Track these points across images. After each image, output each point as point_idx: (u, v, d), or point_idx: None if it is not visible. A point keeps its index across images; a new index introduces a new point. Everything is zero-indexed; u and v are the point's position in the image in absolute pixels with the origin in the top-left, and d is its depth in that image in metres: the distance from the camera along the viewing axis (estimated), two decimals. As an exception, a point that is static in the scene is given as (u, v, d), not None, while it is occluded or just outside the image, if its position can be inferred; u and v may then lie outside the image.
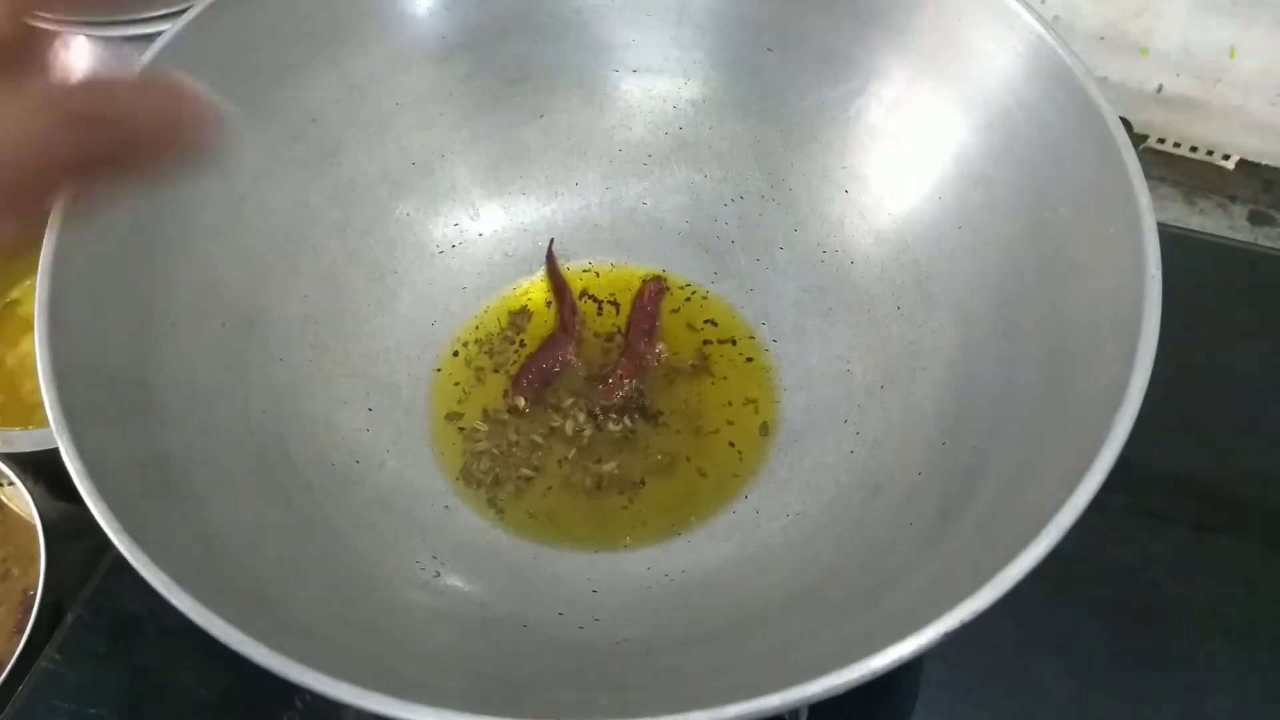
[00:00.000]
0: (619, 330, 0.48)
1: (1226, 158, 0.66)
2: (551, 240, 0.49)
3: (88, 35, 0.58)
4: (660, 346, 0.47)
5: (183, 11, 0.57)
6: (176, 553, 0.30)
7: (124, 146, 0.25)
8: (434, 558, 0.39)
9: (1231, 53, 0.61)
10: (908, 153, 0.44)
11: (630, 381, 0.45)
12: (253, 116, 0.43)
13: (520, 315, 0.48)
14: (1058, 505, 0.29)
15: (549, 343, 0.47)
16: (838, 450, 0.42)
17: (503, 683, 0.33)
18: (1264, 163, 0.66)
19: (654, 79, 0.49)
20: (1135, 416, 0.30)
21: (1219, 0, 0.59)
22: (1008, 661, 0.46)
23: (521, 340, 0.48)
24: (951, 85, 0.42)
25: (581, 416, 0.45)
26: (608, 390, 0.45)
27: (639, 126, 0.49)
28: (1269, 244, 0.66)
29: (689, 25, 0.48)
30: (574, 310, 0.47)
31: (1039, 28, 0.39)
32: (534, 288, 0.49)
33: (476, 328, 0.48)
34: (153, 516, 0.31)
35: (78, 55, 0.61)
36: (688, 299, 0.48)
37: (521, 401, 0.45)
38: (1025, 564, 0.28)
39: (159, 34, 0.57)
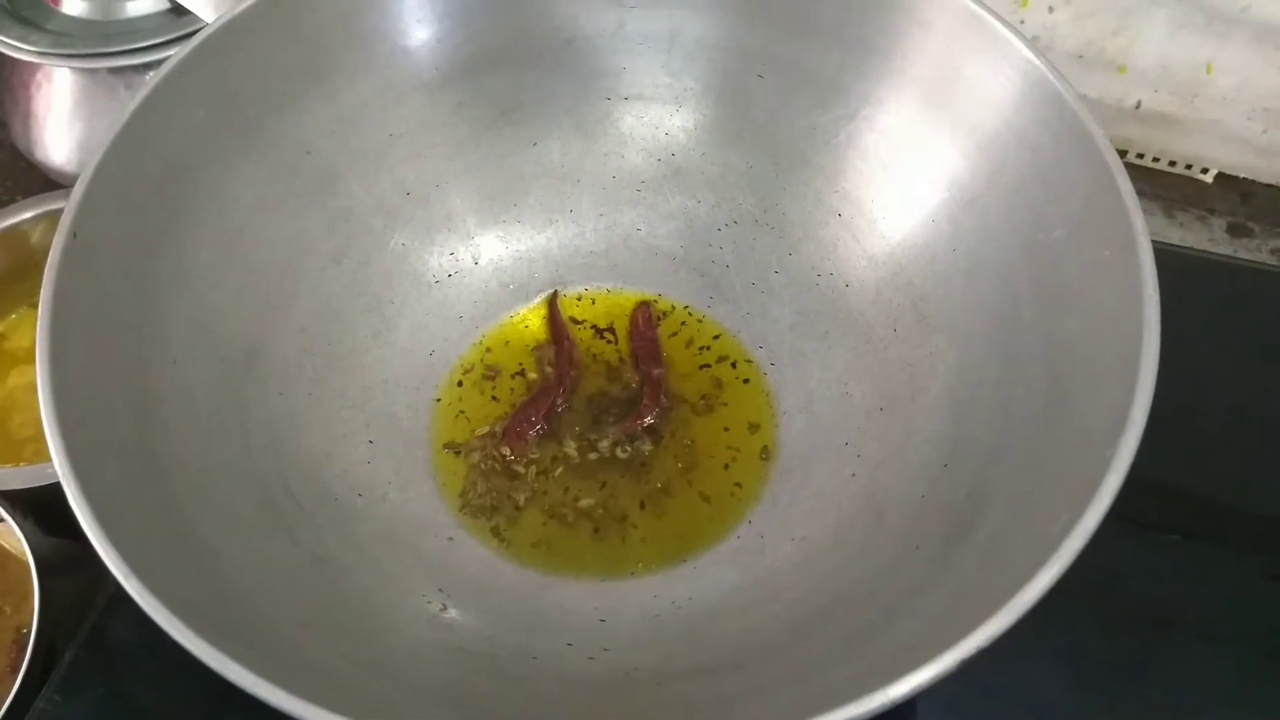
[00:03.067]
0: (621, 358, 0.48)
1: (1205, 171, 0.68)
2: (555, 292, 0.49)
3: (71, 68, 0.58)
4: (658, 372, 0.47)
5: (167, 44, 0.58)
6: (184, 593, 0.30)
7: None
8: (440, 591, 0.39)
9: (1208, 68, 0.62)
10: (900, 176, 0.45)
11: (654, 412, 0.45)
12: (248, 149, 0.43)
13: (518, 344, 0.49)
14: (1066, 529, 0.29)
15: (541, 392, 0.47)
16: (839, 474, 0.42)
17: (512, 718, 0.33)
18: (1241, 175, 0.67)
19: (645, 106, 0.49)
20: (1139, 439, 0.31)
21: (1195, 18, 0.60)
22: (1004, 673, 0.46)
23: (522, 368, 0.48)
24: (943, 110, 0.43)
25: (583, 445, 0.45)
26: (630, 425, 0.45)
27: (632, 154, 0.50)
28: (1248, 256, 0.67)
29: (679, 53, 0.48)
30: (572, 363, 0.47)
31: (1029, 54, 0.39)
32: (531, 314, 0.49)
33: (476, 357, 0.48)
34: (159, 557, 0.31)
35: (61, 87, 0.60)
36: (683, 322, 0.49)
37: (508, 451, 0.45)
38: (1038, 588, 0.29)
39: (144, 65, 0.58)
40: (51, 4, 0.60)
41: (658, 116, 0.49)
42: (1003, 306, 0.40)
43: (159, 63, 0.57)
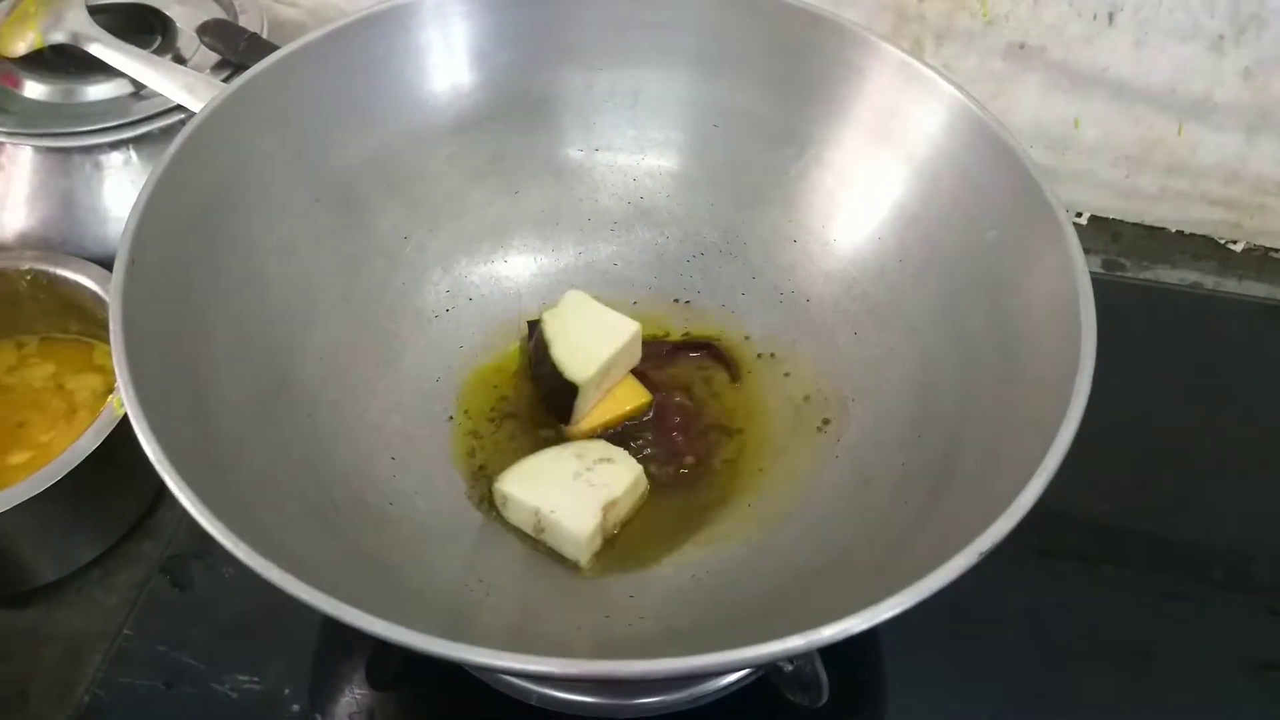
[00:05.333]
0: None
1: (1079, 215, 0.77)
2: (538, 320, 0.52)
3: (34, 147, 0.61)
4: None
5: (135, 123, 0.61)
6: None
7: None
8: (480, 581, 0.42)
9: (1076, 123, 0.72)
10: (847, 203, 0.52)
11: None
12: (264, 200, 0.47)
13: (509, 370, 0.53)
14: (1043, 451, 0.35)
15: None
16: (823, 457, 0.47)
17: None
18: (1110, 216, 0.77)
19: (614, 156, 0.55)
20: (1090, 383, 0.37)
21: (1060, 80, 0.70)
22: (922, 702, 0.49)
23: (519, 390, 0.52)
24: (881, 143, 0.50)
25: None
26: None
27: (604, 198, 0.55)
28: (1123, 282, 0.75)
29: (643, 109, 0.55)
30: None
31: (952, 90, 0.47)
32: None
33: (479, 383, 0.52)
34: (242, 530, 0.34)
35: (22, 167, 0.62)
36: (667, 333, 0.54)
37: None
38: (1031, 495, 0.34)
39: (106, 145, 0.61)
40: (12, 87, 0.63)
41: (626, 164, 0.55)
42: (951, 301, 0.47)
43: (124, 142, 0.61)
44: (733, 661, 0.30)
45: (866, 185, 0.51)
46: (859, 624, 0.31)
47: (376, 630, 0.30)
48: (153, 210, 0.41)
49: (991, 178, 0.46)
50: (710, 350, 0.53)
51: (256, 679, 0.47)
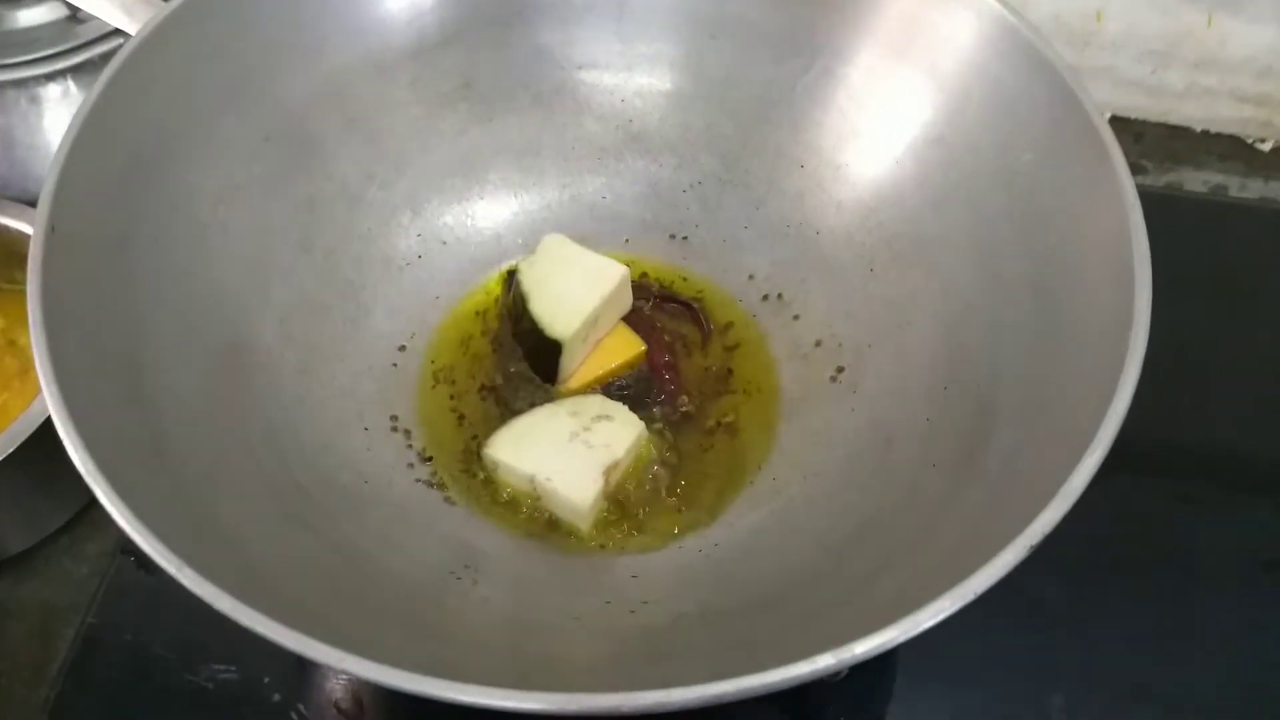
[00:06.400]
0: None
1: (1102, 115, 0.72)
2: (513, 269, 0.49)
3: (-41, 81, 0.55)
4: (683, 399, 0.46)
5: (66, 52, 0.55)
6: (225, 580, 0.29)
7: None
8: (466, 567, 0.38)
9: (1098, 16, 0.67)
10: (860, 122, 0.47)
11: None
12: (208, 141, 0.41)
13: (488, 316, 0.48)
14: (1095, 422, 0.31)
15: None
16: (839, 410, 0.43)
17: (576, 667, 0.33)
18: (1133, 117, 0.72)
19: (599, 74, 0.50)
20: (1146, 341, 0.33)
21: (1083, -31, 0.64)
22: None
23: (497, 338, 0.47)
24: (896, 54, 0.45)
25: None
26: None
27: (589, 122, 0.50)
28: (1144, 189, 0.71)
29: (630, 20, 0.49)
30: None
31: (981, -8, 0.41)
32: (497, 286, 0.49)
33: (455, 338, 0.47)
34: (193, 546, 0.30)
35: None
36: (670, 283, 0.49)
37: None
38: (1082, 478, 0.30)
39: (45, 75, 0.55)
40: (-64, 18, 0.56)
41: (611, 84, 0.50)
42: (980, 234, 0.42)
43: (61, 72, 0.55)
44: (755, 687, 0.26)
45: (883, 102, 0.46)
46: (895, 635, 0.27)
47: (349, 668, 0.26)
48: (77, 161, 0.36)
49: (1025, 93, 0.41)
50: (690, 311, 0.48)
51: (233, 668, 0.43)
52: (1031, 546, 0.29)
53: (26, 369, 0.54)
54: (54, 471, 0.47)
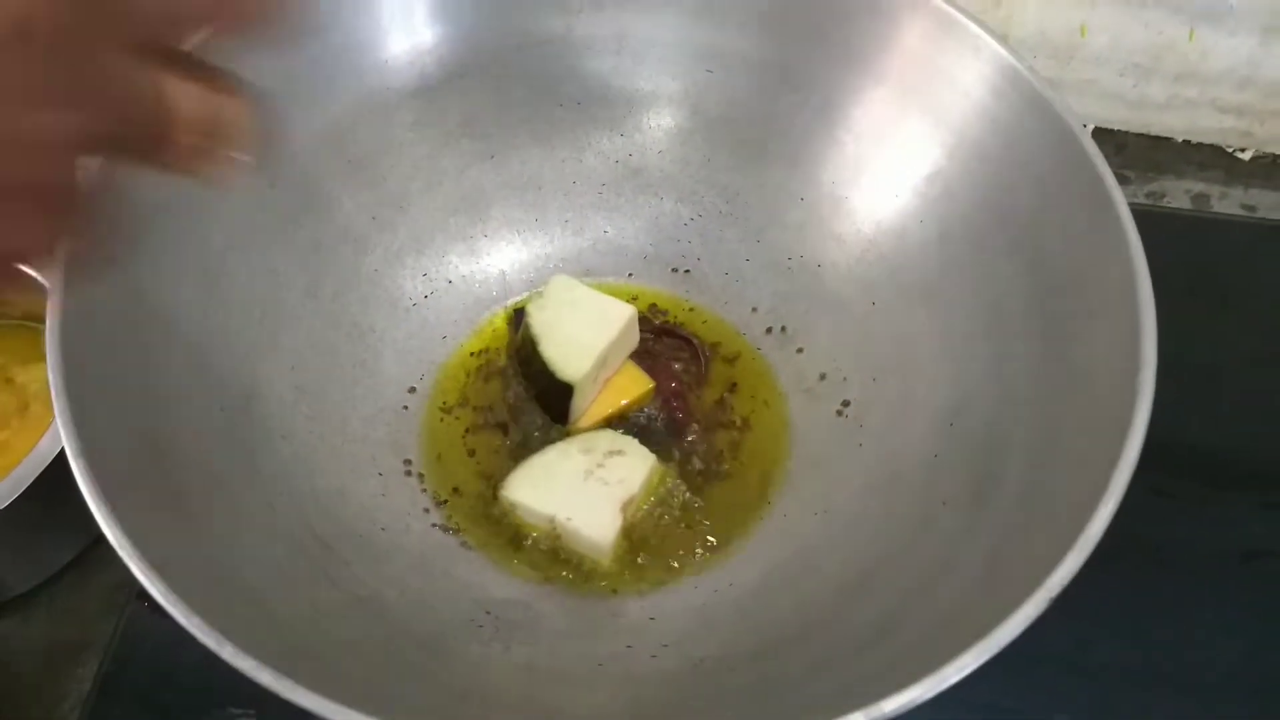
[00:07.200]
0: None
1: (1085, 127, 0.73)
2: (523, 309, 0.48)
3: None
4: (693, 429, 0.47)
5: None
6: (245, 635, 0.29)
7: (145, 129, 0.24)
8: (487, 613, 0.39)
9: (1082, 30, 0.67)
10: (859, 157, 0.47)
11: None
12: (215, 190, 0.41)
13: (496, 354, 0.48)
14: (1108, 467, 0.32)
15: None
16: (846, 445, 0.44)
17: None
18: (1116, 128, 0.73)
19: (597, 110, 0.50)
20: (1153, 384, 0.33)
21: (1067, -15, 0.65)
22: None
23: (505, 377, 0.47)
24: (896, 90, 0.45)
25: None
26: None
27: (589, 158, 0.50)
28: (1128, 200, 0.72)
29: (629, 56, 0.49)
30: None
31: (978, 30, 0.42)
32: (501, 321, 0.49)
33: (463, 378, 0.47)
34: (222, 611, 0.30)
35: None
36: (678, 319, 0.50)
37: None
38: (1099, 524, 0.31)
39: None
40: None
41: (611, 119, 0.50)
42: (982, 269, 0.43)
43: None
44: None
45: (883, 136, 0.46)
46: (923, 692, 0.28)
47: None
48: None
49: (1024, 133, 0.41)
50: (690, 346, 0.49)
51: (251, 712, 0.44)
52: (1051, 598, 0.29)
53: (26, 405, 0.54)
54: (61, 508, 0.47)
